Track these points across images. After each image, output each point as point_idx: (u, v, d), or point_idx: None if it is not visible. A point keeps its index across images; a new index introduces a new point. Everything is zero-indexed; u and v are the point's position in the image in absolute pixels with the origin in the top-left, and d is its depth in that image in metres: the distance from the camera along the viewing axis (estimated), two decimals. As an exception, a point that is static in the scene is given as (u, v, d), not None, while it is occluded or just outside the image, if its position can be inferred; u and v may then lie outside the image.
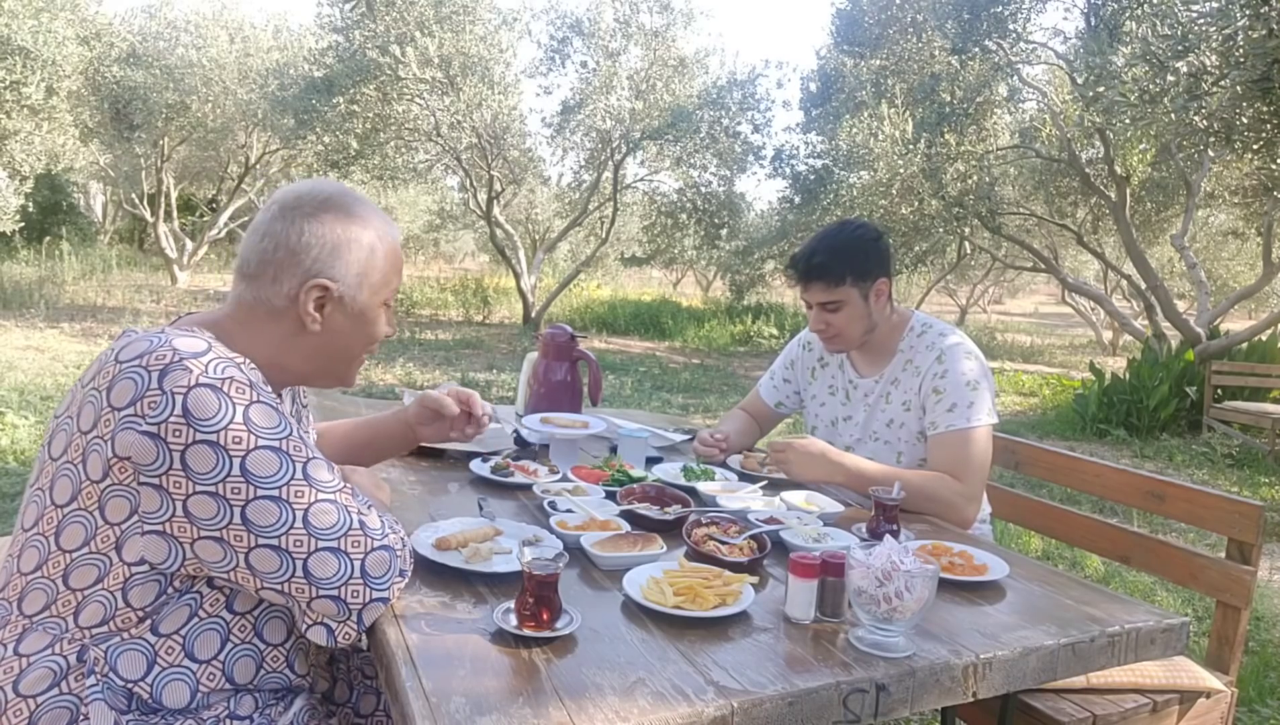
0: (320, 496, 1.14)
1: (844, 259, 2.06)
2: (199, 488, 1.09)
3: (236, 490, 1.09)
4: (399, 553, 1.19)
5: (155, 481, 1.10)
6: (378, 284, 1.31)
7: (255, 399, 1.13)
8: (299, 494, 1.12)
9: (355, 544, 1.15)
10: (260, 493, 1.10)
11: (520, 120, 12.97)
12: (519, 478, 1.95)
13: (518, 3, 22.41)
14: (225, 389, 1.11)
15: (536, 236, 17.88)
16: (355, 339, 1.33)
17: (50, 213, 18.79)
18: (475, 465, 2.00)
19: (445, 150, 12.94)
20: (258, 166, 16.48)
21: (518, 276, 14.17)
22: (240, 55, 14.72)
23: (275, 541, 1.11)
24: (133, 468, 1.10)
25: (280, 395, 1.44)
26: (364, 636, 1.21)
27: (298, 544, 1.11)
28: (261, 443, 1.11)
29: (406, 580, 1.22)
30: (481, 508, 1.74)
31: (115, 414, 1.10)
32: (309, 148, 13.05)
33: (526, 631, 1.19)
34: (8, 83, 10.31)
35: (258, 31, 15.43)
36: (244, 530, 1.10)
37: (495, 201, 13.72)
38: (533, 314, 14.11)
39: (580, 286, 17.49)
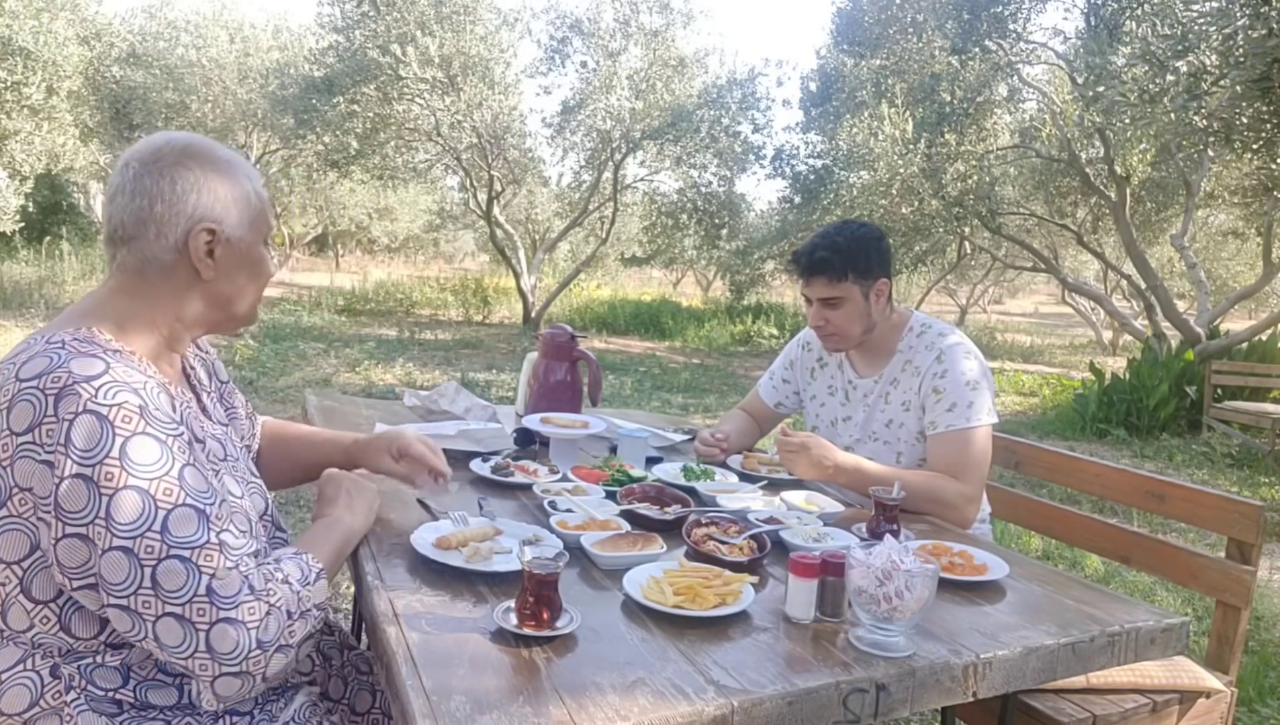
0: (172, 552, 1.06)
1: (847, 255, 2.07)
2: (68, 530, 1.06)
3: (100, 534, 1.05)
4: (251, 627, 1.08)
5: (46, 518, 1.07)
6: (257, 220, 1.31)
7: (140, 430, 1.08)
8: (149, 550, 1.05)
9: (200, 613, 1.06)
10: (115, 543, 1.05)
11: (520, 120, 12.98)
12: (519, 478, 1.95)
13: (518, 3, 22.44)
14: (110, 417, 1.07)
15: (536, 236, 17.88)
16: (248, 280, 1.32)
17: (50, 213, 18.78)
18: (475, 465, 2.00)
19: (445, 150, 12.95)
20: (258, 166, 16.45)
21: (518, 276, 14.18)
22: (240, 55, 14.73)
23: (125, 602, 1.06)
24: (33, 500, 1.07)
25: (190, 374, 1.40)
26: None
27: (146, 606, 1.05)
28: (130, 482, 1.06)
29: (281, 654, 1.11)
30: (481, 507, 1.74)
31: (14, 439, 1.07)
32: (309, 147, 13.06)
33: (527, 631, 1.19)
34: (9, 83, 10.32)
35: (258, 31, 15.44)
36: (101, 584, 1.06)
37: (495, 201, 13.73)
38: (533, 314, 14.11)
39: (580, 286, 17.51)
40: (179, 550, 1.06)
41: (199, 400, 1.39)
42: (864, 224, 2.17)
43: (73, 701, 1.13)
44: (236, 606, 1.07)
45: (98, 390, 1.08)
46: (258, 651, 1.08)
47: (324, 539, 1.34)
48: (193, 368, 1.44)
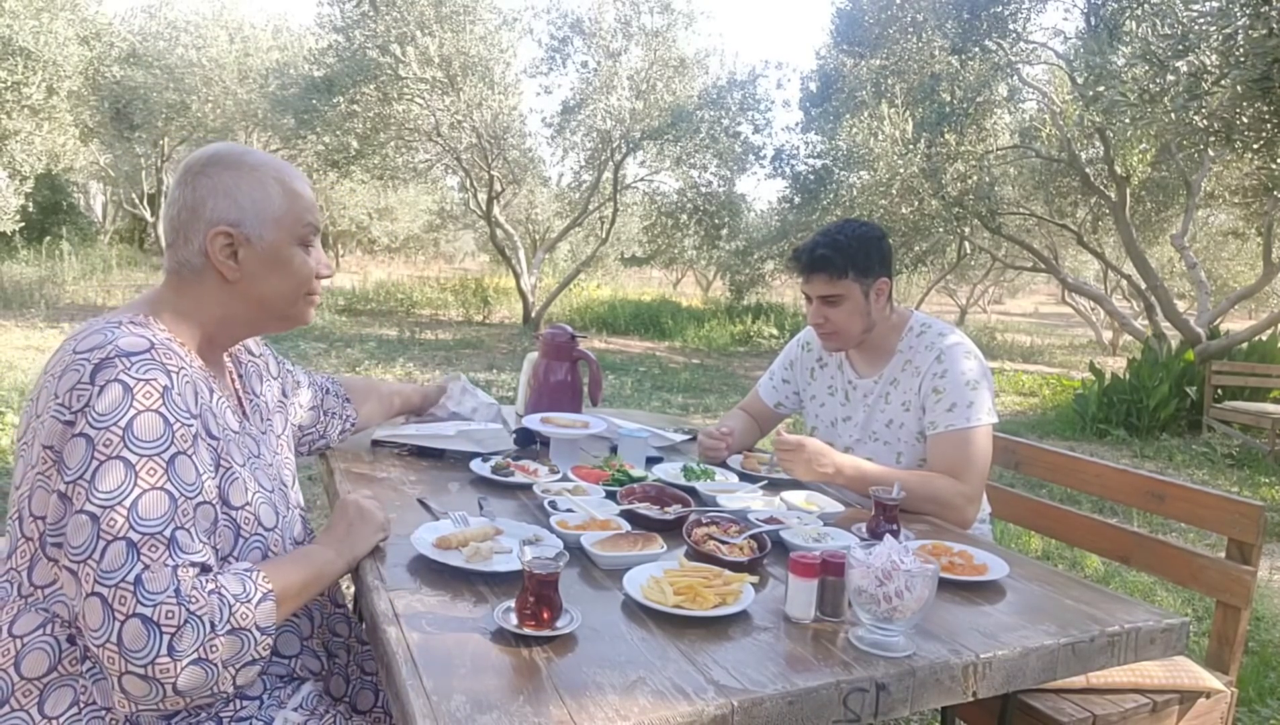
0: (128, 533, 1.07)
1: (848, 253, 2.07)
2: (59, 486, 1.10)
3: (79, 495, 1.08)
4: (166, 630, 1.04)
5: (55, 473, 1.12)
6: (283, 220, 1.33)
7: (154, 407, 1.13)
8: (111, 523, 1.07)
9: (121, 600, 1.04)
10: (87, 507, 1.07)
11: (520, 120, 12.99)
12: (519, 478, 1.95)
13: (519, 2, 22.47)
14: (135, 389, 1.13)
15: (536, 236, 17.89)
16: (281, 281, 1.34)
17: (50, 213, 18.79)
18: (475, 465, 2.00)
19: (445, 150, 12.95)
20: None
21: (518, 276, 14.18)
22: (240, 55, 14.74)
23: (75, 568, 1.07)
24: (52, 458, 1.12)
25: (236, 366, 1.45)
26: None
27: (86, 578, 1.06)
28: (123, 453, 1.10)
29: (197, 669, 1.06)
30: (481, 507, 1.74)
31: (54, 402, 1.14)
32: (309, 147, 13.05)
33: (527, 630, 1.19)
34: (9, 83, 10.33)
35: (258, 31, 15.46)
36: (64, 543, 1.09)
37: (495, 201, 13.73)
38: (533, 314, 14.11)
39: (580, 286, 17.51)
40: (133, 532, 1.07)
41: (240, 401, 1.42)
42: (865, 223, 2.17)
43: (88, 671, 1.15)
44: (156, 605, 1.05)
45: (133, 364, 1.14)
46: (166, 658, 1.04)
47: (291, 567, 1.28)
48: (241, 375, 1.47)
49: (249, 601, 1.13)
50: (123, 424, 1.10)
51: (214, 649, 1.08)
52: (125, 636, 1.03)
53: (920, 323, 2.18)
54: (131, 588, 1.05)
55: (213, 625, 1.08)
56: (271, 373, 1.60)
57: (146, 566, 1.06)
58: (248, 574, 1.17)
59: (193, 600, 1.07)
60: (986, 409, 2.02)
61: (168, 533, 1.09)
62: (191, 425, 1.18)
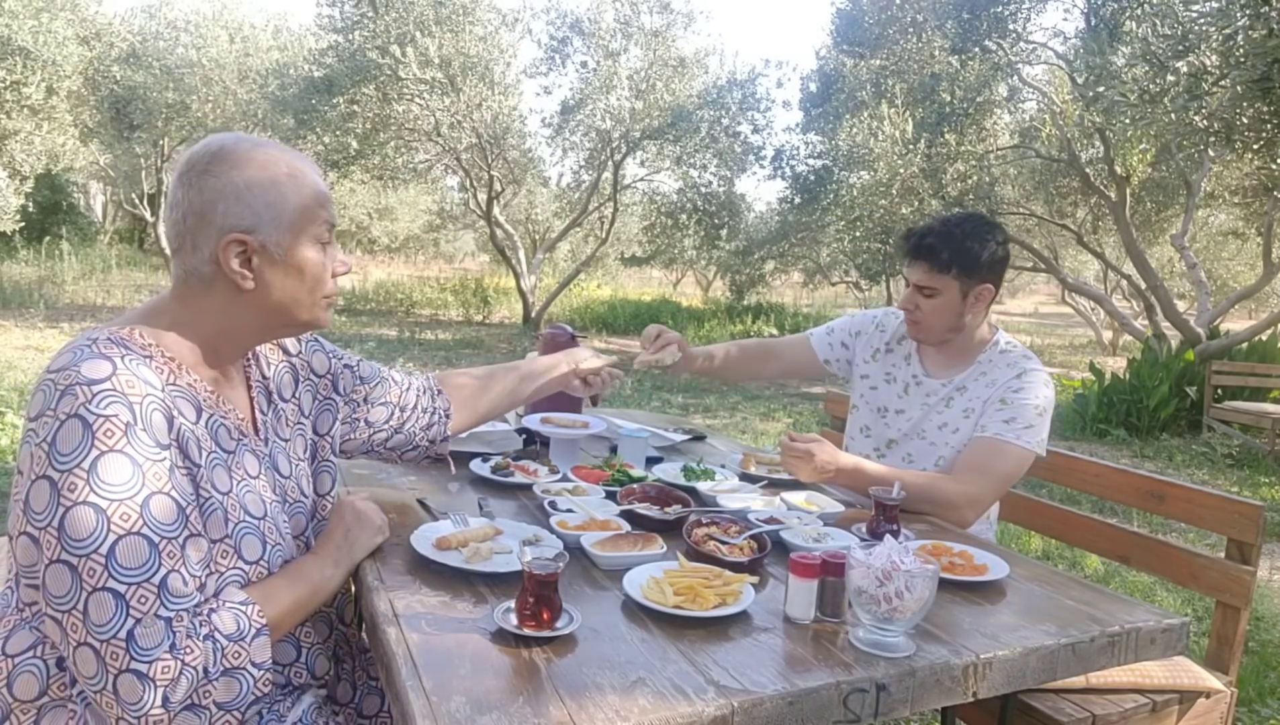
0: (109, 583, 1.03)
1: (958, 249, 1.99)
2: (26, 528, 1.06)
3: (50, 544, 1.04)
4: (160, 684, 1.03)
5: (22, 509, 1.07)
6: (296, 220, 1.23)
7: (118, 447, 1.06)
8: (91, 573, 1.03)
9: (114, 655, 1.02)
10: (62, 556, 1.03)
11: (520, 120, 12.99)
12: (519, 478, 1.95)
13: (518, 3, 22.43)
14: (95, 426, 1.05)
15: (536, 236, 17.90)
16: (298, 287, 1.25)
17: (50, 213, 18.79)
18: (475, 465, 2.00)
19: (445, 150, 12.95)
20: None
21: (518, 276, 14.19)
22: (240, 55, 14.73)
23: (60, 617, 1.04)
24: (24, 484, 1.07)
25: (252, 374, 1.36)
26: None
27: (73, 629, 1.03)
28: (90, 498, 1.03)
29: (191, 714, 1.06)
30: (482, 507, 1.74)
31: (27, 424, 1.09)
32: (309, 148, 13.05)
33: (527, 631, 1.19)
34: (8, 83, 10.33)
35: (258, 31, 15.44)
36: (43, 591, 1.05)
37: (495, 201, 13.73)
38: (533, 314, 14.12)
39: (580, 286, 17.52)
40: (116, 582, 1.03)
41: (253, 413, 1.34)
42: (989, 221, 2.06)
43: (77, 695, 1.13)
44: (151, 661, 1.03)
45: (94, 396, 1.06)
46: (160, 710, 1.03)
47: (286, 588, 1.25)
48: (265, 376, 1.39)
49: (243, 639, 1.12)
50: (86, 467, 1.04)
51: (208, 694, 1.07)
52: (120, 689, 1.02)
53: (1006, 341, 2.13)
54: (124, 644, 1.02)
55: (206, 672, 1.07)
56: (316, 371, 1.50)
57: (138, 620, 1.03)
58: (243, 609, 1.14)
59: (188, 651, 1.06)
60: (1039, 440, 1.98)
61: (156, 579, 1.05)
62: (163, 459, 1.10)
